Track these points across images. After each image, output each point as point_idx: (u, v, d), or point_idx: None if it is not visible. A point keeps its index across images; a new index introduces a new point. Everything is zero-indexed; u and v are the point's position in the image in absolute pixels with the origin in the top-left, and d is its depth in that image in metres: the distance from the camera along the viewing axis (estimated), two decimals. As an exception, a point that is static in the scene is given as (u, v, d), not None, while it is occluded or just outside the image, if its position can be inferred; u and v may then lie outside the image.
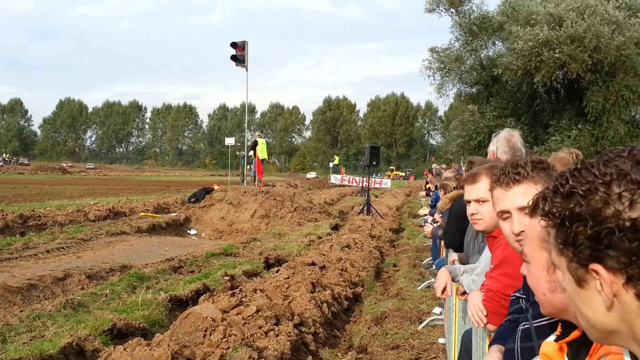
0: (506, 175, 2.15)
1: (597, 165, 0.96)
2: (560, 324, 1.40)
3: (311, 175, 63.96)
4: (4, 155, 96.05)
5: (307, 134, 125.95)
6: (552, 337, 1.40)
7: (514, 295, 2.11)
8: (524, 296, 1.95)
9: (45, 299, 7.41)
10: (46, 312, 6.47)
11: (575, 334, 1.27)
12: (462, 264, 3.80)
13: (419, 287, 8.31)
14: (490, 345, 2.11)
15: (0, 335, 5.61)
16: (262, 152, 21.78)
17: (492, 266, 2.70)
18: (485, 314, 2.51)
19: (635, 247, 0.88)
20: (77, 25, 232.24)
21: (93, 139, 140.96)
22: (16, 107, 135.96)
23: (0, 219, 12.46)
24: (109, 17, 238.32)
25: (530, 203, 1.17)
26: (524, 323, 1.80)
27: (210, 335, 5.00)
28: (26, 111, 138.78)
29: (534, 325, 1.75)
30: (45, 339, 5.57)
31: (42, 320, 6.18)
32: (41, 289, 7.65)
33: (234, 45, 21.06)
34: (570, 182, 0.97)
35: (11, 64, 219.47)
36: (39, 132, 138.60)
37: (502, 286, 2.46)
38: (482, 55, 30.10)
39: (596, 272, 0.94)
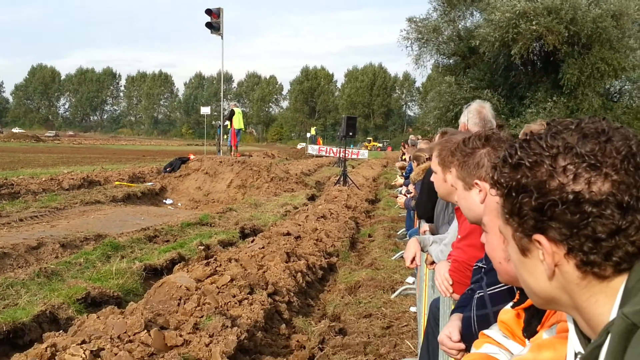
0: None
1: (545, 138, 0.98)
2: (518, 291, 1.44)
3: (302, 145, 63.28)
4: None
5: (285, 104, 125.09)
6: (509, 305, 1.45)
7: (476, 265, 2.16)
8: (485, 266, 2.01)
9: (19, 267, 7.37)
10: (19, 280, 6.44)
11: (530, 301, 1.31)
12: (433, 234, 3.87)
13: (393, 257, 8.43)
14: (451, 313, 2.17)
15: (-28, 304, 5.58)
16: (238, 122, 21.65)
17: (459, 237, 2.76)
18: (451, 283, 2.57)
19: (577, 220, 0.91)
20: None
21: (67, 106, 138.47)
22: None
23: (-29, 188, 12.28)
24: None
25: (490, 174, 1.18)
26: (478, 291, 1.86)
27: (184, 304, 5.04)
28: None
29: (488, 292, 1.80)
30: (18, 307, 5.56)
31: (15, 289, 6.15)
32: (14, 258, 7.60)
33: (208, 12, 20.72)
34: (519, 153, 0.99)
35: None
36: (11, 99, 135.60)
37: (468, 257, 2.52)
38: (460, 26, 30.07)
39: (539, 242, 0.96)
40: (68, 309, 5.54)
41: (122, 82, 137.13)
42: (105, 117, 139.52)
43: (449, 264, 2.68)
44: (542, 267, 0.99)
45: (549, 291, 1.00)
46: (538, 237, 0.96)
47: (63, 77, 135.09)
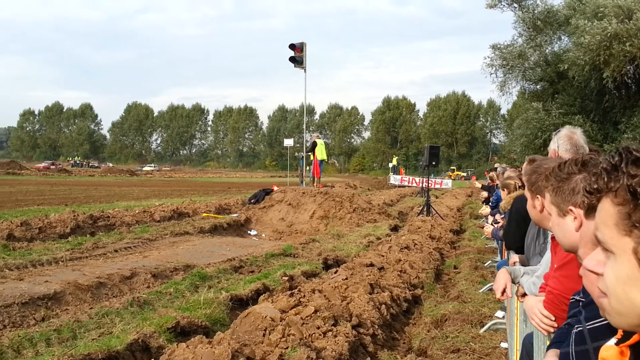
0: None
1: None
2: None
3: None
4: (76, 158, 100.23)
5: (366, 134, 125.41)
6: (612, 341, 1.35)
7: (574, 298, 2.04)
8: (584, 299, 1.89)
9: (114, 296, 7.70)
10: (114, 309, 6.72)
11: (636, 337, 1.21)
12: (523, 266, 3.71)
13: (481, 290, 8.16)
14: (547, 349, 2.05)
15: (70, 332, 5.87)
16: (321, 153, 21.89)
17: (555, 267, 2.62)
18: (553, 319, 2.43)
19: None
20: (144, 32, 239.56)
21: (159, 141, 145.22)
22: (87, 112, 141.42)
23: (72, 220, 13.01)
24: (174, 24, 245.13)
25: (586, 201, 1.10)
26: (577, 326, 1.75)
27: (269, 335, 5.07)
28: (96, 115, 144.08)
29: (587, 327, 1.69)
30: (112, 335, 5.78)
31: (110, 318, 6.42)
32: (109, 287, 7.95)
33: (292, 47, 21.27)
34: None
35: (82, 70, 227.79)
36: (108, 136, 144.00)
37: (564, 289, 2.38)
38: (546, 50, 29.20)
39: None
40: (159, 338, 5.70)
41: (210, 117, 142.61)
42: (193, 151, 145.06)
43: (539, 299, 2.54)
44: None
45: None
46: None
47: (156, 113, 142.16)
